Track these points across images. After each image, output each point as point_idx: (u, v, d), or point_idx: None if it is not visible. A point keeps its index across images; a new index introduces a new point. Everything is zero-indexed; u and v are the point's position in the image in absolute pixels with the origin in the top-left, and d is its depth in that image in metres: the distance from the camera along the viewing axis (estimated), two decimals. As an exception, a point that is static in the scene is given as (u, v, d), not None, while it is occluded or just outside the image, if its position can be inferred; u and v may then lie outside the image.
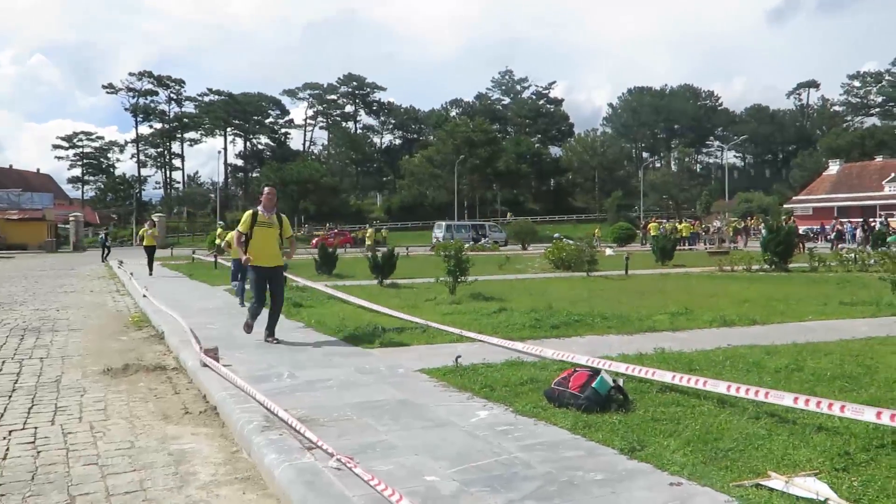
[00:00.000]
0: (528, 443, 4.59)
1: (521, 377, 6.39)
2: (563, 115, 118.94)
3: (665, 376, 5.67)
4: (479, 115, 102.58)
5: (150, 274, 22.37)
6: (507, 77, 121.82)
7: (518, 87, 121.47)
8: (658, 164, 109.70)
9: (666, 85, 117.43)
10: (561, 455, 4.33)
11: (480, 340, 8.51)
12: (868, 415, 4.17)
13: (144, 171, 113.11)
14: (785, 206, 69.52)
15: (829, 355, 7.29)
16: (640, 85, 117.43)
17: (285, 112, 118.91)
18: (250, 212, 9.21)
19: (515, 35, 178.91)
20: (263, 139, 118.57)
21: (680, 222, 52.11)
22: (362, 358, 7.82)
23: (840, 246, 37.00)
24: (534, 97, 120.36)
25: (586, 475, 3.96)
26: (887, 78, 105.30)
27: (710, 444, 4.44)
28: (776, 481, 3.69)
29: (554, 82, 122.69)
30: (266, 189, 9.38)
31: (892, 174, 60.39)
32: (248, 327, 9.19)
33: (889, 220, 49.04)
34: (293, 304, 12.45)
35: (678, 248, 35.11)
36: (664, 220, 53.17)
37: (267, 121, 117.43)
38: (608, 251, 33.93)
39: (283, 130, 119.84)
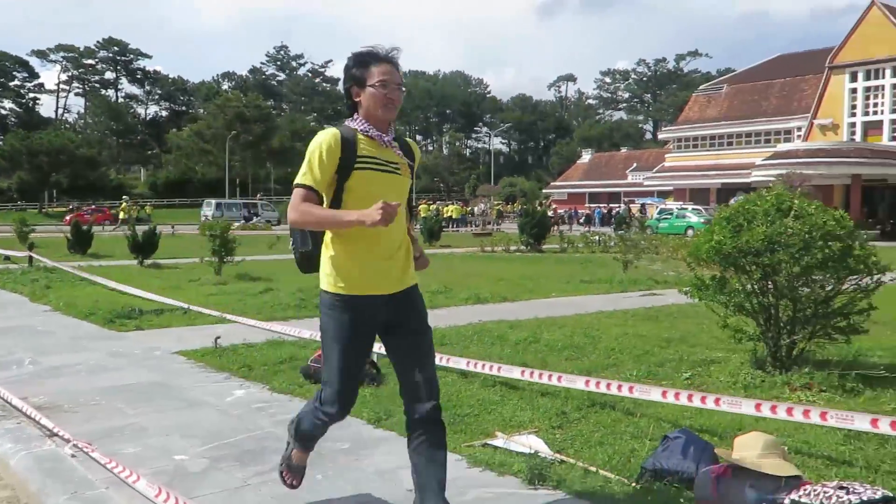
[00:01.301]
0: (282, 418, 4.75)
1: (280, 356, 6.53)
2: (339, 94, 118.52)
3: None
4: (253, 90, 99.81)
5: None
6: (282, 52, 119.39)
7: (294, 64, 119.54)
8: (431, 148, 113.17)
9: (439, 70, 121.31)
10: (312, 428, 4.54)
11: (240, 322, 8.51)
12: (579, 383, 4.80)
13: None
14: (544, 191, 74.66)
15: (563, 328, 8.13)
16: (415, 69, 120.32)
17: (34, 75, 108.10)
18: (332, 134, 2.92)
19: (294, 9, 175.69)
20: (7, 104, 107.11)
21: (447, 205, 54.27)
22: (116, 341, 7.55)
23: (588, 228, 40.52)
24: (310, 74, 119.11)
25: (334, 445, 4.21)
26: (633, 76, 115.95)
27: (450, 410, 4.86)
28: (500, 440, 4.16)
29: (331, 61, 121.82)
30: (382, 62, 2.95)
31: (635, 164, 66.80)
32: (293, 475, 3.42)
33: (630, 205, 54.36)
34: (44, 286, 11.60)
35: (448, 229, 36.59)
36: (433, 203, 55.03)
37: (12, 83, 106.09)
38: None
39: (31, 95, 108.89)
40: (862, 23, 45.42)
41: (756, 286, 5.72)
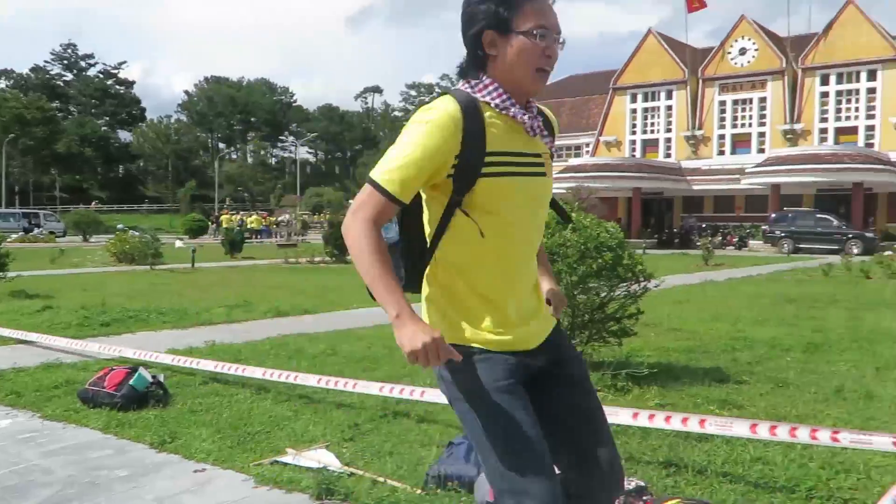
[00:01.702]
0: (53, 448, 4.43)
1: (55, 380, 6.05)
2: (134, 98, 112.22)
3: (207, 366, 5.89)
4: (35, 90, 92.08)
5: None
6: (69, 51, 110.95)
7: (83, 64, 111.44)
8: (234, 156, 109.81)
9: (243, 77, 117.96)
10: (87, 456, 4.27)
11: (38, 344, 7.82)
12: (373, 389, 4.88)
13: None
14: (350, 201, 74.65)
15: (362, 339, 8.18)
16: (219, 74, 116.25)
17: None
18: (449, 111, 1.83)
19: (84, 5, 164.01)
20: None
21: (250, 215, 52.92)
22: None
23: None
24: (101, 76, 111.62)
25: (111, 473, 3.98)
26: (437, 90, 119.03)
27: (240, 429, 4.75)
28: (290, 456, 4.12)
29: (125, 62, 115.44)
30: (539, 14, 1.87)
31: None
32: None
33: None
34: None
35: (252, 240, 35.66)
36: (235, 213, 53.44)
37: None
38: (178, 243, 33.14)
39: None
40: (640, 49, 49.54)
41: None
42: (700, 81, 46.36)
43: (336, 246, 22.79)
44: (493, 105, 1.87)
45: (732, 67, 45.35)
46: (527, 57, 1.84)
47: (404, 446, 4.38)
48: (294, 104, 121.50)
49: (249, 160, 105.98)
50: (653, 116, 48.73)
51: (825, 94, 42.89)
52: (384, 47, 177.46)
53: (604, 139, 50.29)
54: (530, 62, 1.84)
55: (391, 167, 1.82)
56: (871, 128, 41.72)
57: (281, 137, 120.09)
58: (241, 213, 56.67)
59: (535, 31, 1.82)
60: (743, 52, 45.13)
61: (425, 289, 2.02)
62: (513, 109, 1.87)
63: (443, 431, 4.64)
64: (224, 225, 38.47)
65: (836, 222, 33.26)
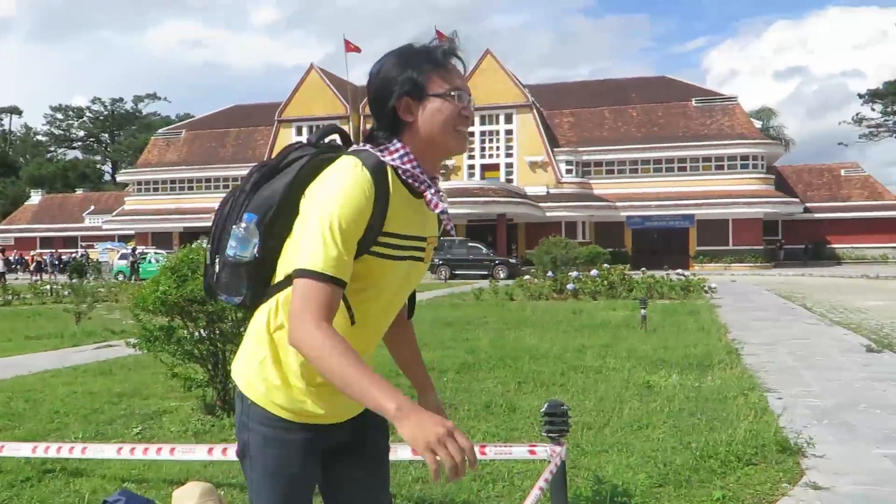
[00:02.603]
0: None
1: None
2: None
3: None
4: None
5: None
6: None
7: None
8: None
9: None
10: None
11: None
12: (24, 451, 4.32)
13: None
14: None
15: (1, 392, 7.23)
16: None
17: None
18: (365, 176, 1.71)
19: None
20: None
21: None
22: None
23: (34, 278, 36.94)
24: None
25: None
26: (88, 114, 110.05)
27: None
28: None
29: None
30: (448, 57, 1.86)
31: (93, 206, 63.26)
32: None
33: (89, 250, 51.23)
34: None
35: None
36: None
37: None
38: None
39: None
40: (303, 83, 50.60)
41: (204, 333, 5.87)
42: (361, 117, 48.53)
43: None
44: (400, 171, 1.76)
45: (390, 106, 48.16)
46: (445, 117, 1.78)
47: (51, 510, 3.95)
48: None
49: None
50: (319, 149, 49.91)
51: (471, 134, 47.40)
52: (24, 64, 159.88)
53: (270, 171, 50.30)
54: (448, 122, 1.78)
55: (322, 245, 1.62)
56: (510, 165, 47.03)
57: None
58: None
59: (451, 93, 1.78)
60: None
61: (256, 329, 1.82)
62: (420, 177, 1.77)
63: (100, 487, 4.26)
64: None
65: (485, 250, 36.72)
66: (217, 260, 1.85)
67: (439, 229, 1.95)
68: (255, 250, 1.77)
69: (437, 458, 1.44)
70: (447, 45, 1.83)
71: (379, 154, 1.76)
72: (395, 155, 1.76)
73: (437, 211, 1.80)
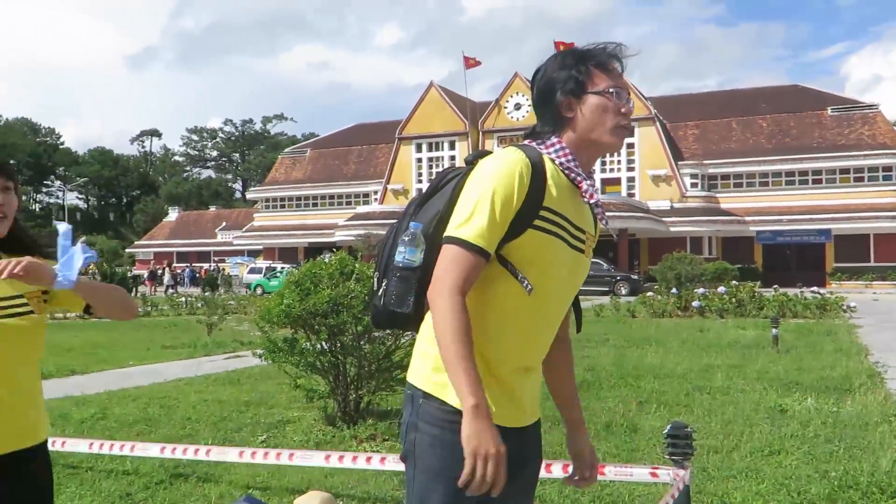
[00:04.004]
0: None
1: None
2: None
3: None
4: None
5: None
6: None
7: None
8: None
9: (1, 116, 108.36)
10: None
11: None
12: (153, 451, 4.54)
13: None
14: (128, 250, 70.40)
15: (137, 400, 7.64)
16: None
17: None
18: (523, 161, 1.80)
19: None
20: None
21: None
22: None
23: (171, 291, 39.03)
24: None
25: None
26: (220, 135, 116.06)
27: (-10, 510, 4.23)
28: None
29: None
30: (611, 60, 1.94)
31: (224, 223, 66.50)
32: None
33: (221, 264, 53.80)
34: None
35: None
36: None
37: None
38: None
39: None
40: (423, 101, 51.46)
41: (326, 345, 6.00)
42: (480, 133, 48.86)
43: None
44: (557, 163, 1.86)
45: (509, 121, 48.27)
46: (603, 114, 1.86)
47: (183, 513, 4.12)
48: (61, 146, 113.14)
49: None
50: (437, 166, 50.50)
51: (590, 148, 46.80)
52: (165, 90, 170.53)
53: (391, 187, 51.33)
54: (607, 118, 1.86)
55: (476, 214, 1.72)
56: (631, 179, 46.00)
57: (46, 182, 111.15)
58: None
59: (610, 90, 1.87)
60: (518, 107, 48.21)
61: (426, 332, 1.83)
62: (575, 171, 1.86)
63: (227, 492, 4.41)
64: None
65: (605, 266, 36.00)
66: (384, 283, 1.86)
67: (595, 228, 1.99)
68: (423, 255, 1.80)
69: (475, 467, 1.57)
70: (610, 48, 1.91)
71: (536, 146, 1.87)
72: (552, 149, 1.86)
73: (592, 202, 1.88)
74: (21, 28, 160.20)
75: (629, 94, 1.91)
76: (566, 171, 1.85)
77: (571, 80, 1.87)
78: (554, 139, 1.88)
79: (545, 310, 1.83)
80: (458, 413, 1.68)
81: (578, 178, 1.85)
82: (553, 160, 1.85)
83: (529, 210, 1.76)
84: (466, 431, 1.59)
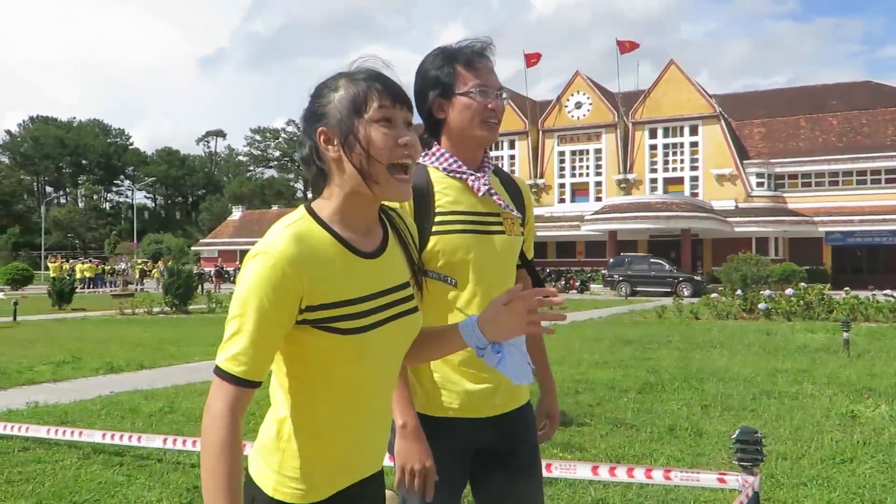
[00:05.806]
0: None
1: None
2: None
3: (22, 431, 5.40)
4: None
5: None
6: None
7: None
8: (63, 201, 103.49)
9: (74, 117, 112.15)
10: None
11: None
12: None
13: None
14: (193, 248, 72.08)
15: (202, 394, 7.79)
16: (45, 114, 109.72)
17: None
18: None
19: None
20: None
21: (83, 263, 49.84)
22: None
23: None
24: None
25: None
26: (283, 135, 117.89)
27: (65, 499, 4.38)
28: (120, 527, 3.83)
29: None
30: (474, 57, 2.02)
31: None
32: None
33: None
34: None
35: (81, 290, 33.59)
36: (66, 261, 50.09)
37: None
38: (-1, 294, 30.69)
39: None
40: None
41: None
42: (540, 132, 48.57)
43: (176, 295, 21.78)
44: (441, 169, 1.99)
45: (569, 120, 47.88)
46: (470, 113, 1.96)
47: (247, 508, 4.18)
48: (130, 146, 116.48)
49: (81, 205, 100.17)
50: (497, 164, 50.41)
51: (654, 147, 46.08)
52: (233, 90, 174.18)
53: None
54: (473, 117, 1.96)
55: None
56: (695, 178, 45.12)
57: (116, 181, 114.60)
58: (72, 260, 53.21)
59: (473, 90, 1.95)
60: (578, 105, 47.78)
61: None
62: (459, 171, 1.98)
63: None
64: (52, 274, 35.92)
65: (667, 266, 35.41)
66: None
67: (522, 205, 2.16)
68: None
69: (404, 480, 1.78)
70: (476, 45, 2.00)
71: (420, 161, 1.95)
72: (433, 158, 2.00)
73: (480, 195, 1.99)
74: (98, 34, 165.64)
75: (499, 89, 1.99)
76: (451, 175, 1.98)
77: (439, 83, 1.98)
78: (434, 147, 2.01)
79: (485, 291, 1.94)
80: (420, 414, 1.89)
81: (464, 177, 1.99)
82: (437, 168, 1.99)
83: (421, 219, 1.90)
84: (396, 447, 1.80)
